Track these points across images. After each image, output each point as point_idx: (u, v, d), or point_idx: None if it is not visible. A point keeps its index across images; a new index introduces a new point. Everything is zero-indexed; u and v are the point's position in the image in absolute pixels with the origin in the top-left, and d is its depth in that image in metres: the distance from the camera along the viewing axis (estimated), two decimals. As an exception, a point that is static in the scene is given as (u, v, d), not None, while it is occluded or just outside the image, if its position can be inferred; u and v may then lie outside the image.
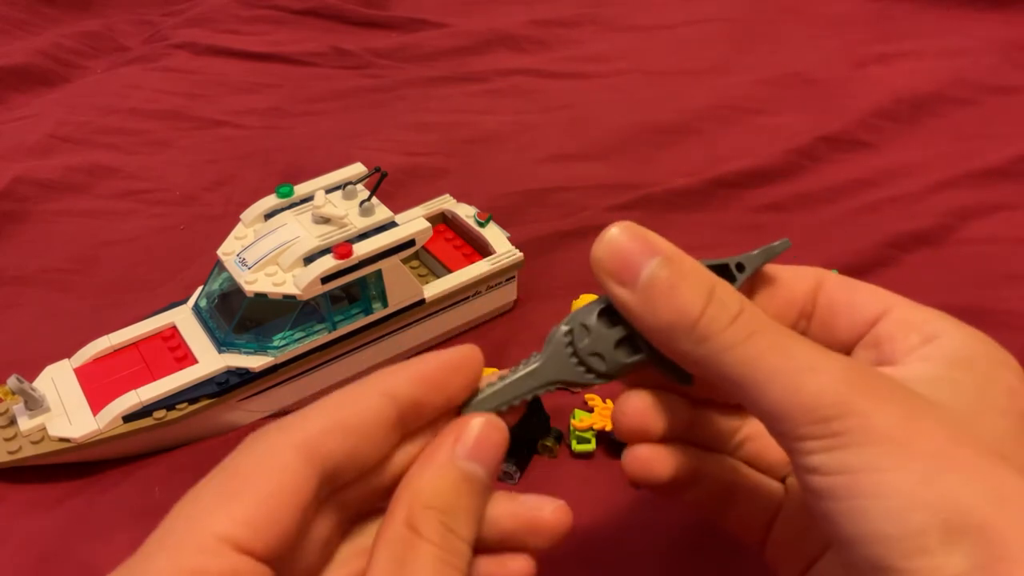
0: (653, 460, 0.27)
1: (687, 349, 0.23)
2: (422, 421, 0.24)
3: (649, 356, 0.25)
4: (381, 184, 0.46)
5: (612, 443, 0.44)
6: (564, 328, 0.25)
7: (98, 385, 0.45)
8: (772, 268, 0.27)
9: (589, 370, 0.25)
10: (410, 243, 0.46)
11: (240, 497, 0.21)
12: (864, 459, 0.20)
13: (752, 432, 0.29)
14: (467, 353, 0.24)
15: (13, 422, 0.44)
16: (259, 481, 0.21)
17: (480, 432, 0.23)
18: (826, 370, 0.21)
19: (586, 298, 0.46)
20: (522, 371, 0.25)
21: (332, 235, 0.45)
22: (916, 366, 0.23)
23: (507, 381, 0.25)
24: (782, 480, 0.29)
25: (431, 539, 0.22)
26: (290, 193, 0.48)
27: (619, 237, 0.23)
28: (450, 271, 0.51)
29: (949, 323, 0.25)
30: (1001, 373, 0.24)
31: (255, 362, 0.45)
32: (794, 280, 0.27)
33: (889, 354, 0.25)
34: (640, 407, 0.26)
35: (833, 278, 0.27)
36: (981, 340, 0.24)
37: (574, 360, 0.25)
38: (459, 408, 0.25)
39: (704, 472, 0.28)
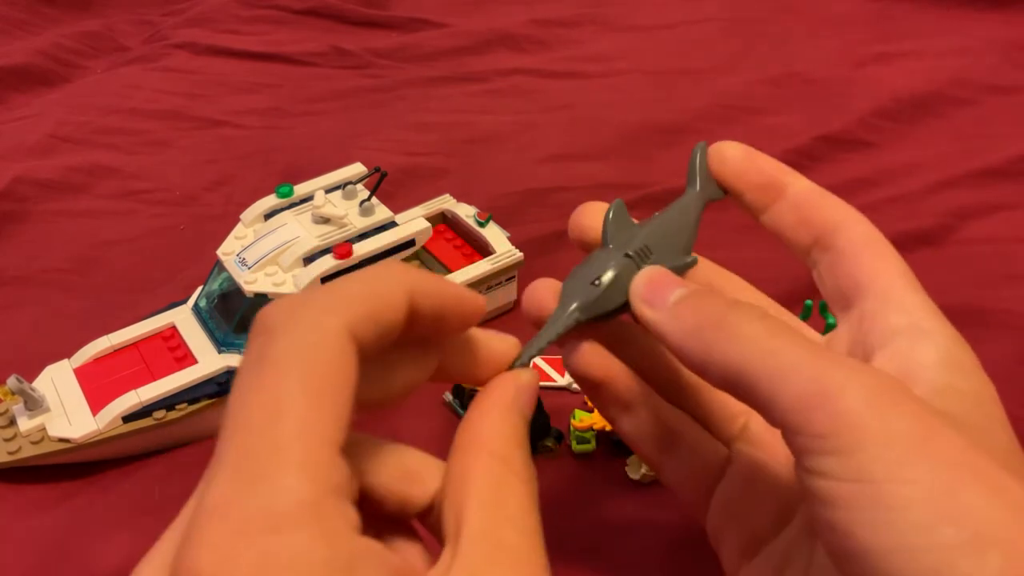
0: (594, 356, 0.28)
1: (709, 348, 0.23)
2: (411, 336, 0.23)
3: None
4: (381, 184, 0.46)
5: (612, 443, 0.44)
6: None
7: (98, 385, 0.45)
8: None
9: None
10: (410, 243, 0.46)
11: (325, 393, 0.18)
12: (886, 468, 0.19)
13: (701, 384, 0.30)
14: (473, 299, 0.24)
15: (13, 422, 0.44)
16: (337, 378, 0.19)
17: (532, 385, 0.25)
18: (849, 374, 0.21)
19: None
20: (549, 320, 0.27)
21: (332, 235, 0.45)
22: (921, 375, 0.23)
23: (540, 332, 0.27)
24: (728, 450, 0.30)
25: (522, 476, 0.22)
26: (290, 193, 0.48)
27: (648, 275, 0.26)
28: (450, 271, 0.51)
29: (936, 320, 0.25)
30: (985, 378, 0.24)
31: (255, 362, 0.45)
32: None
33: (873, 334, 0.25)
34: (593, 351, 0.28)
35: (803, 184, 0.29)
36: (963, 342, 0.24)
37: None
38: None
39: (643, 401, 0.29)
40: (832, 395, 0.20)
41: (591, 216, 0.30)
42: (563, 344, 0.28)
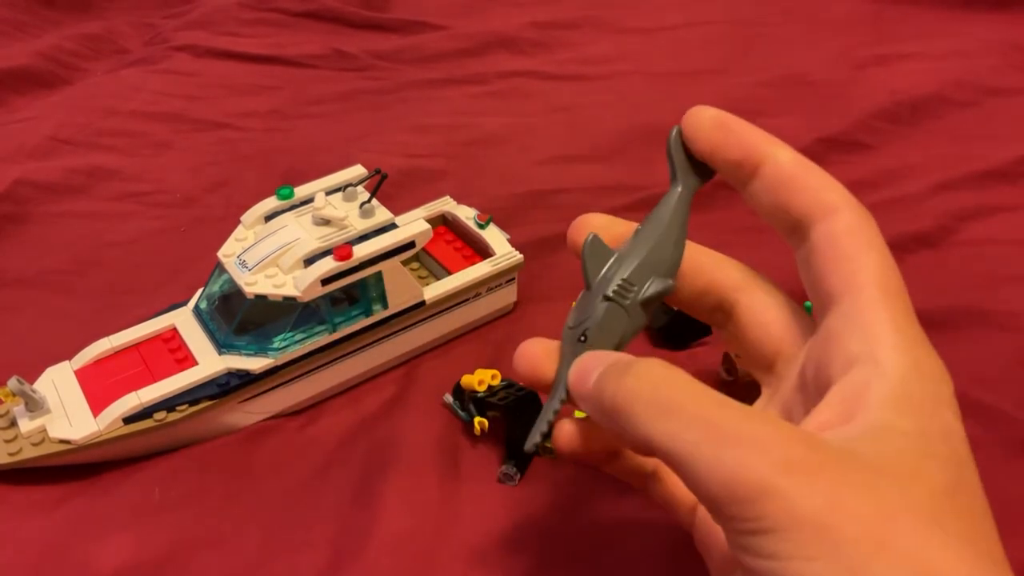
0: (578, 435, 0.28)
1: (622, 434, 0.24)
2: None
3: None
4: (381, 186, 0.46)
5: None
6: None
7: (98, 387, 0.45)
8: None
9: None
10: (410, 245, 0.46)
11: None
12: (793, 546, 0.19)
13: None
14: None
15: (13, 424, 0.44)
16: None
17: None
18: (748, 445, 0.20)
19: None
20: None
21: (332, 237, 0.45)
22: (864, 412, 0.22)
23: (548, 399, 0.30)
24: None
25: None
26: (290, 195, 0.48)
27: (575, 368, 0.27)
28: (450, 273, 0.52)
29: (897, 345, 0.23)
30: (940, 413, 0.22)
31: (255, 364, 0.45)
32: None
33: (833, 362, 0.24)
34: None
35: (785, 157, 0.26)
36: (924, 369, 0.23)
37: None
38: None
39: (624, 452, 0.30)
40: (736, 481, 0.20)
41: (586, 230, 0.29)
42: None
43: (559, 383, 0.28)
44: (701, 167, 0.28)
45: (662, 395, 0.22)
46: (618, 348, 0.28)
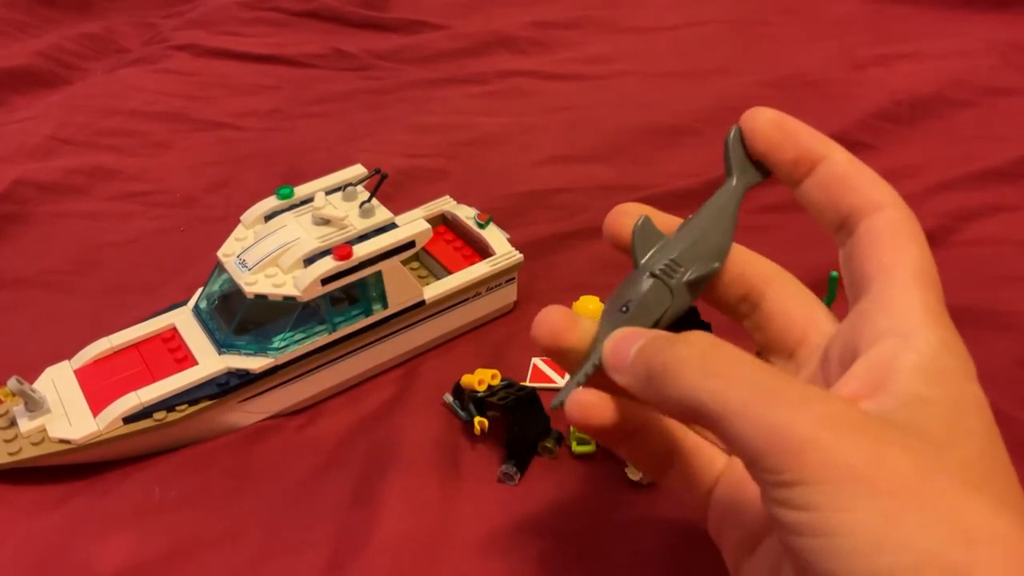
0: (594, 407, 0.28)
1: (664, 396, 0.24)
2: None
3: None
4: (381, 186, 0.46)
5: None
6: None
7: (98, 386, 0.45)
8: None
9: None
10: (410, 244, 0.46)
11: None
12: (830, 497, 0.20)
13: None
14: None
15: (13, 423, 0.44)
16: None
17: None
18: (793, 403, 0.21)
19: (586, 299, 0.46)
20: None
21: (332, 237, 0.45)
22: (894, 383, 0.23)
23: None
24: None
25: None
26: (290, 195, 0.48)
27: (613, 339, 0.27)
28: (450, 272, 0.52)
29: (928, 323, 0.24)
30: (969, 386, 0.23)
31: (255, 363, 0.45)
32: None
33: (861, 336, 0.25)
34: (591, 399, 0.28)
35: (839, 158, 0.27)
36: (952, 347, 0.24)
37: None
38: None
39: (645, 426, 0.30)
40: (780, 432, 0.21)
41: (623, 219, 0.30)
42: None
43: (593, 351, 0.28)
44: (756, 165, 0.29)
45: (712, 359, 0.23)
46: (656, 326, 0.28)
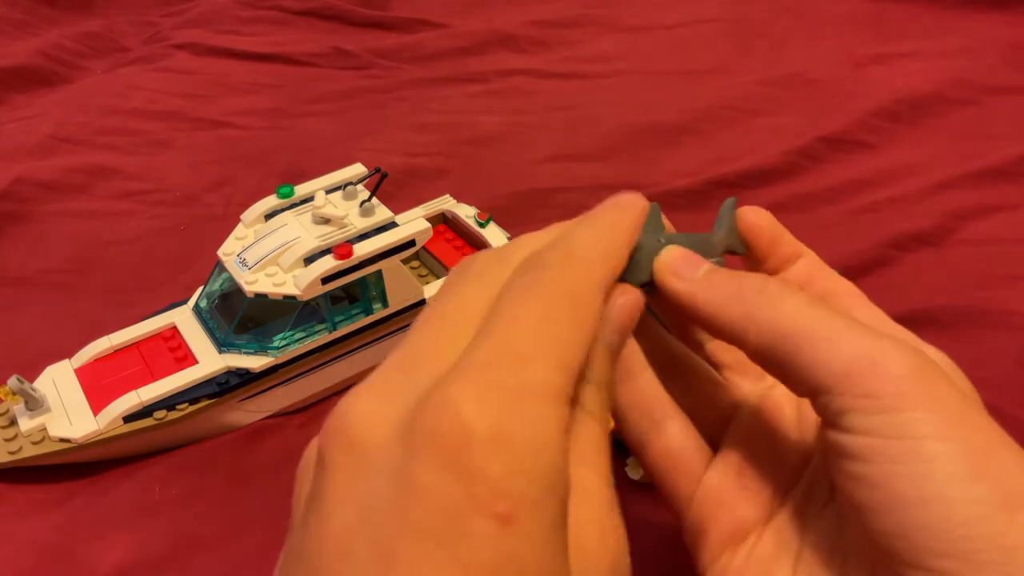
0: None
1: (751, 311, 0.24)
2: None
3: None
4: (381, 184, 0.46)
5: (612, 443, 0.44)
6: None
7: (99, 385, 0.45)
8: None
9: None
10: (410, 243, 0.46)
11: (585, 337, 0.21)
12: (929, 427, 0.21)
13: (696, 375, 0.30)
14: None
15: (14, 422, 0.44)
16: (590, 323, 0.21)
17: (620, 310, 0.24)
18: (893, 341, 0.22)
19: None
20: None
21: (332, 236, 0.45)
22: None
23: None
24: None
25: (595, 414, 0.23)
26: (290, 193, 0.48)
27: (676, 251, 0.26)
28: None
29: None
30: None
31: (255, 362, 0.45)
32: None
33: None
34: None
35: (812, 259, 0.29)
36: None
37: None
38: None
39: (645, 374, 0.29)
40: (879, 361, 0.22)
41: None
42: None
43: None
44: (737, 241, 0.30)
45: (808, 293, 0.24)
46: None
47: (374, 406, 0.19)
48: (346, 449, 0.19)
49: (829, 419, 0.23)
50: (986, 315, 0.50)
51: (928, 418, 0.21)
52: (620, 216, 0.25)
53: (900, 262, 0.55)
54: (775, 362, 0.23)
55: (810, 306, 0.23)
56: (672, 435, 0.30)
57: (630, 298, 0.24)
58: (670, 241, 0.28)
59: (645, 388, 0.30)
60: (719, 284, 0.25)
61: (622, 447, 0.43)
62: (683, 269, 0.26)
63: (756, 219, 0.29)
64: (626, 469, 0.42)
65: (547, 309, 0.20)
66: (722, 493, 0.28)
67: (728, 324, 0.24)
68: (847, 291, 0.28)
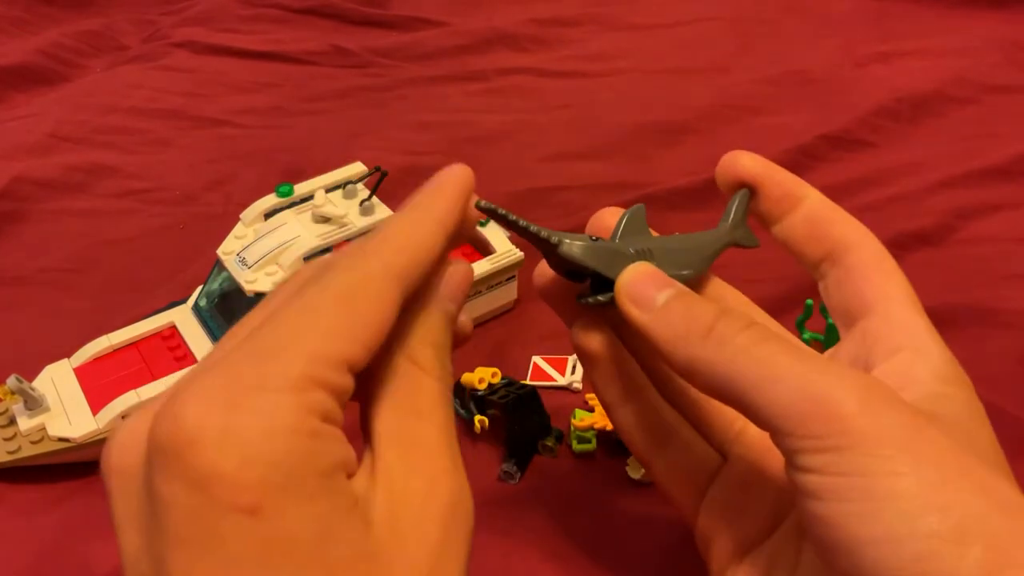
0: (598, 331, 0.29)
1: (698, 354, 0.24)
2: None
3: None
4: (381, 183, 0.46)
5: (612, 443, 0.44)
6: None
7: (98, 385, 0.45)
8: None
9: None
10: (410, 242, 0.46)
11: (357, 324, 0.21)
12: (877, 463, 0.20)
13: (700, 398, 0.30)
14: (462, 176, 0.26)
15: (13, 422, 0.44)
16: (370, 310, 0.22)
17: (457, 277, 0.26)
18: (838, 375, 0.22)
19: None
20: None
21: (332, 234, 0.45)
22: (917, 385, 0.25)
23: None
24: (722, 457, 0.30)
25: (433, 372, 0.24)
26: (290, 192, 0.48)
27: (638, 270, 0.26)
28: (450, 270, 0.51)
29: (933, 340, 0.26)
30: (973, 391, 0.25)
31: (255, 362, 0.45)
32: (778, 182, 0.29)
33: (875, 350, 0.26)
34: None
35: (817, 197, 0.29)
36: (954, 361, 0.26)
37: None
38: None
39: (644, 395, 0.30)
40: (824, 399, 0.21)
41: (609, 218, 0.30)
42: (572, 322, 0.29)
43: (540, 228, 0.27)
44: (746, 233, 0.31)
45: (756, 326, 0.24)
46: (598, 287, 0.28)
47: (132, 427, 0.20)
48: (112, 474, 0.20)
49: (786, 457, 0.22)
50: (987, 314, 0.50)
51: (877, 453, 0.20)
52: (432, 201, 0.25)
53: (901, 261, 0.54)
54: (728, 402, 0.24)
55: (757, 344, 0.23)
56: (677, 452, 0.30)
57: (460, 267, 0.26)
58: (644, 250, 0.28)
59: (647, 407, 0.30)
60: (672, 320, 0.25)
61: (622, 447, 0.44)
62: (642, 295, 0.26)
63: (743, 160, 0.30)
64: (626, 469, 0.42)
65: (311, 304, 0.21)
66: (724, 509, 0.29)
67: (679, 363, 0.24)
68: (859, 241, 0.28)
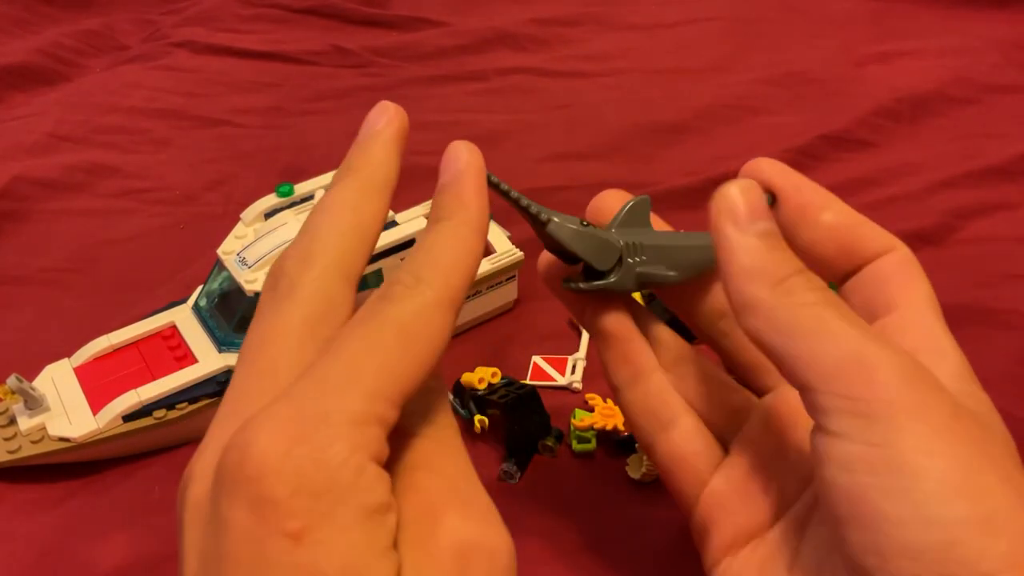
0: (613, 310, 0.30)
1: (763, 295, 0.24)
2: None
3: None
4: (381, 183, 0.46)
5: (612, 443, 0.44)
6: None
7: (98, 384, 0.45)
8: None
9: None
10: (410, 243, 0.46)
11: (415, 361, 0.22)
12: (912, 439, 0.20)
13: (708, 392, 0.30)
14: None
15: (13, 422, 0.44)
16: (427, 345, 0.22)
17: None
18: (890, 347, 0.22)
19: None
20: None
21: (332, 234, 0.45)
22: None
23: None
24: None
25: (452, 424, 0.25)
26: (290, 192, 0.48)
27: (749, 189, 0.25)
28: (450, 270, 0.51)
29: (951, 344, 0.26)
30: (985, 392, 0.25)
31: (255, 361, 0.45)
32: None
33: None
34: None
35: (840, 207, 0.29)
36: (969, 366, 0.26)
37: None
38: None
39: (653, 376, 0.30)
40: (870, 364, 0.21)
41: (608, 199, 0.31)
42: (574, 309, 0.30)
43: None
44: None
45: (825, 295, 0.24)
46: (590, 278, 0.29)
47: (206, 461, 0.21)
48: (187, 507, 0.21)
49: (815, 418, 0.22)
50: (987, 314, 0.50)
51: (913, 428, 0.20)
52: (467, 214, 0.27)
53: (901, 261, 0.55)
54: (772, 350, 0.24)
55: (821, 304, 0.23)
56: (679, 437, 0.30)
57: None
58: (635, 244, 0.28)
59: (654, 389, 0.30)
60: (756, 253, 0.25)
61: (622, 447, 0.44)
62: (743, 214, 0.25)
63: (762, 166, 0.29)
64: (626, 469, 0.42)
65: (370, 339, 0.21)
66: (726, 499, 0.29)
67: (742, 295, 0.24)
68: (888, 246, 0.28)
